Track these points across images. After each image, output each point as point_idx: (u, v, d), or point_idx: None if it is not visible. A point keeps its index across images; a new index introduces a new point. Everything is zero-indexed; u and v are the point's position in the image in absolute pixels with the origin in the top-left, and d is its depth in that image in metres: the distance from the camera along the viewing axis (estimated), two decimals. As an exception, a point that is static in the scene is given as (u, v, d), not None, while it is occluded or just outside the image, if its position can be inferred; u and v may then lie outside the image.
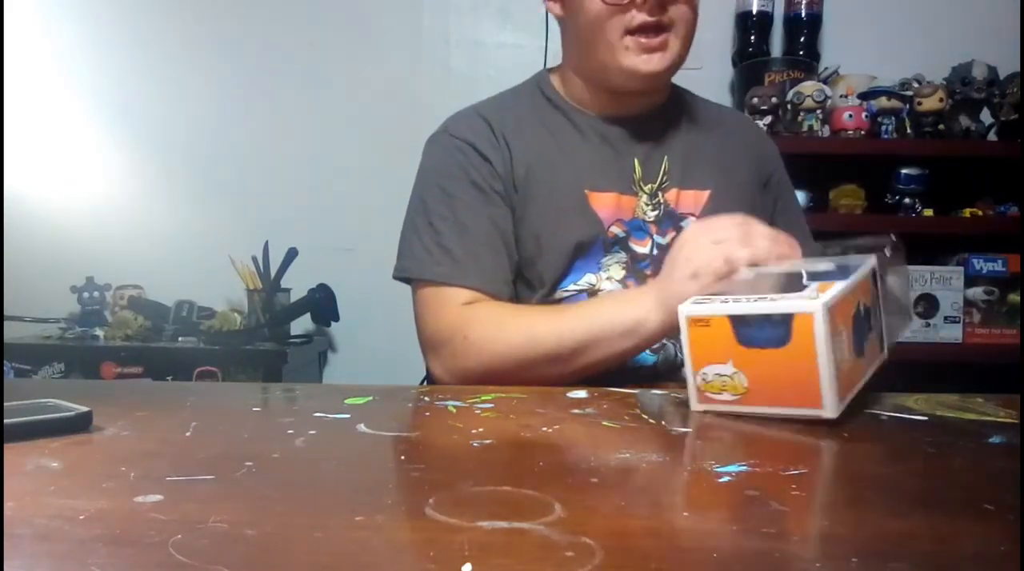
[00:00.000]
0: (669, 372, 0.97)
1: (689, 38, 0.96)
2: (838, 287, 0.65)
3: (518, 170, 0.99)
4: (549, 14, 1.05)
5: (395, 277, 1.00)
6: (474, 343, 0.90)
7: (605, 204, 0.98)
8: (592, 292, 0.97)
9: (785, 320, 0.62)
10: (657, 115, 1.04)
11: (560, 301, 0.97)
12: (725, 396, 0.66)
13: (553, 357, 0.86)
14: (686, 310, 0.68)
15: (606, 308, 0.88)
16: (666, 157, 1.01)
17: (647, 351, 0.93)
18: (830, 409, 0.62)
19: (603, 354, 0.86)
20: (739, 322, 0.65)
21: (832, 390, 0.61)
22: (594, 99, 1.03)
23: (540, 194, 0.99)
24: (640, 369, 0.96)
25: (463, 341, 0.91)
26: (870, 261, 0.71)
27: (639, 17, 0.92)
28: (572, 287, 0.97)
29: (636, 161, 1.00)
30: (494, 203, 0.98)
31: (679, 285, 0.78)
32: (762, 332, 0.63)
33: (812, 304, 0.61)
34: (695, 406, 0.68)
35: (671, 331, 0.79)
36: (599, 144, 1.01)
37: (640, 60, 0.94)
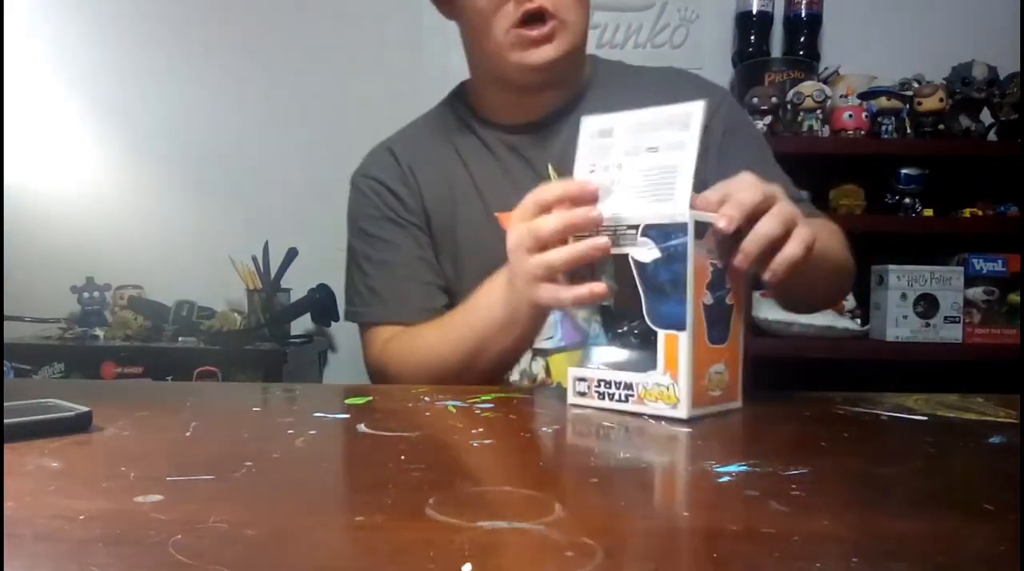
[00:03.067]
0: None
1: (581, 24, 0.94)
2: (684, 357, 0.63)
3: (428, 202, 1.00)
4: None
5: (345, 320, 1.05)
6: (394, 376, 0.93)
7: None
8: None
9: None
10: (569, 108, 1.00)
11: None
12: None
13: (460, 369, 0.87)
14: (574, 373, 0.70)
15: (482, 311, 0.85)
16: None
17: None
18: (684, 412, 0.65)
19: (499, 348, 0.84)
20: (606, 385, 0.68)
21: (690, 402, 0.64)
22: (502, 101, 1.01)
23: (452, 223, 0.99)
24: None
25: (385, 375, 0.95)
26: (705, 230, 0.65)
27: (519, 8, 0.90)
28: None
29: (550, 167, 0.97)
30: (412, 234, 1.00)
31: (516, 283, 0.76)
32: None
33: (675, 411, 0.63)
34: (572, 400, 0.70)
35: (542, 310, 0.79)
36: (508, 157, 1.00)
37: (527, 54, 0.92)
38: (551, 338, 0.96)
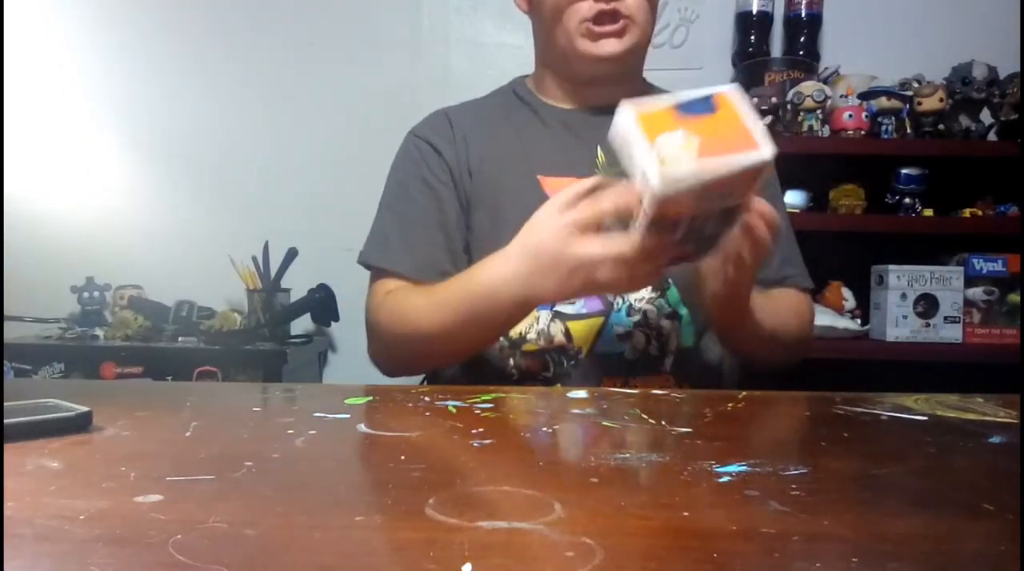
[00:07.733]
0: (642, 363, 0.98)
1: (648, 26, 1.01)
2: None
3: (473, 161, 1.05)
4: None
5: (357, 261, 1.07)
6: (383, 336, 0.98)
7: (559, 189, 0.99)
8: None
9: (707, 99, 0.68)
10: None
11: None
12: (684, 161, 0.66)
13: (443, 345, 0.91)
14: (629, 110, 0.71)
15: (493, 287, 0.85)
16: None
17: (616, 342, 0.98)
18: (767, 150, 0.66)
19: (498, 322, 0.88)
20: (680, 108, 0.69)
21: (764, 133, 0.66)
22: (562, 92, 1.08)
23: (494, 180, 1.04)
24: (612, 360, 0.98)
25: (377, 327, 0.99)
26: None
27: (593, 7, 0.97)
28: None
29: (599, 146, 1.02)
30: (440, 196, 1.04)
31: (552, 289, 0.80)
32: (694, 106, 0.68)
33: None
34: (657, 183, 0.66)
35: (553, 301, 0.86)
36: (559, 131, 1.05)
37: (594, 45, 0.99)
38: (573, 304, 0.99)
